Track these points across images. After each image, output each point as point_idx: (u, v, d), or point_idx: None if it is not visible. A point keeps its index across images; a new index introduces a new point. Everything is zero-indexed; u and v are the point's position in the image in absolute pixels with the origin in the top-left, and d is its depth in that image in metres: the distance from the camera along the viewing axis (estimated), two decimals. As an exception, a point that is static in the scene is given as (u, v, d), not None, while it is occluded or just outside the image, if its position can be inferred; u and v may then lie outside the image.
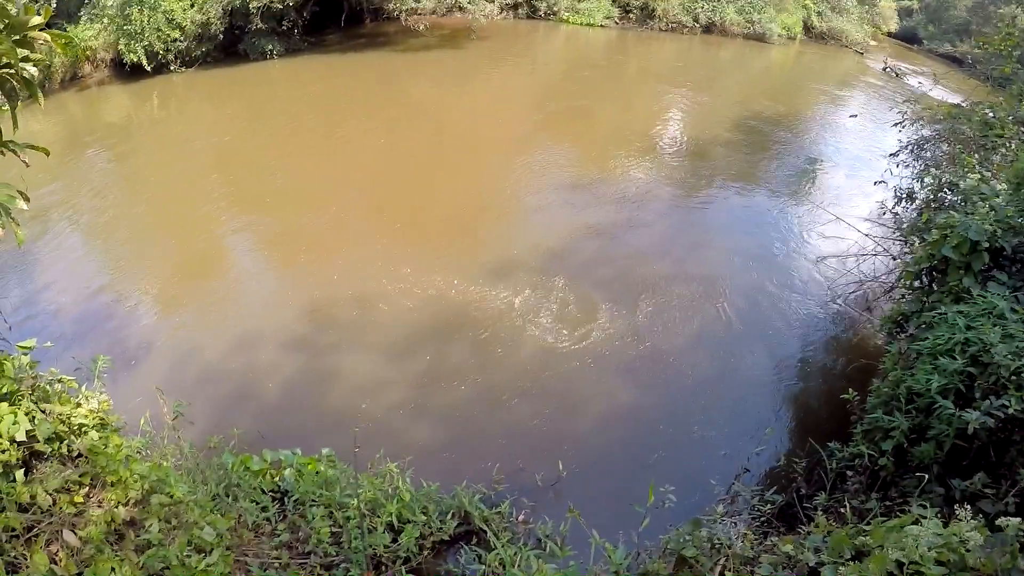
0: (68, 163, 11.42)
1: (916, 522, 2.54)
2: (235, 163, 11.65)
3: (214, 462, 4.72)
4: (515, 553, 4.11)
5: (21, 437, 2.95)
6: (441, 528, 4.62)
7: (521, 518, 5.07)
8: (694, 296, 8.01)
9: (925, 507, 2.88)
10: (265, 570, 3.84)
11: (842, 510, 3.86)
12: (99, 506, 3.14)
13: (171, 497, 3.47)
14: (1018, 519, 2.30)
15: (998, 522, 2.30)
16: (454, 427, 6.24)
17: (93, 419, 3.54)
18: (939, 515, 2.63)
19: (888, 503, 4.04)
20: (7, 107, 3.12)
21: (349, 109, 13.98)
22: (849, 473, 4.58)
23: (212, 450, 4.96)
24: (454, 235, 9.58)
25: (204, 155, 12.06)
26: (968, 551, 2.23)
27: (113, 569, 2.76)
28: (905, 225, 7.84)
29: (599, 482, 5.67)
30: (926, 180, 7.44)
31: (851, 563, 2.55)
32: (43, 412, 3.26)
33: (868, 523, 3.19)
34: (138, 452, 4.16)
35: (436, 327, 7.50)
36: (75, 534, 2.83)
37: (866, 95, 14.65)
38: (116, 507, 3.17)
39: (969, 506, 2.46)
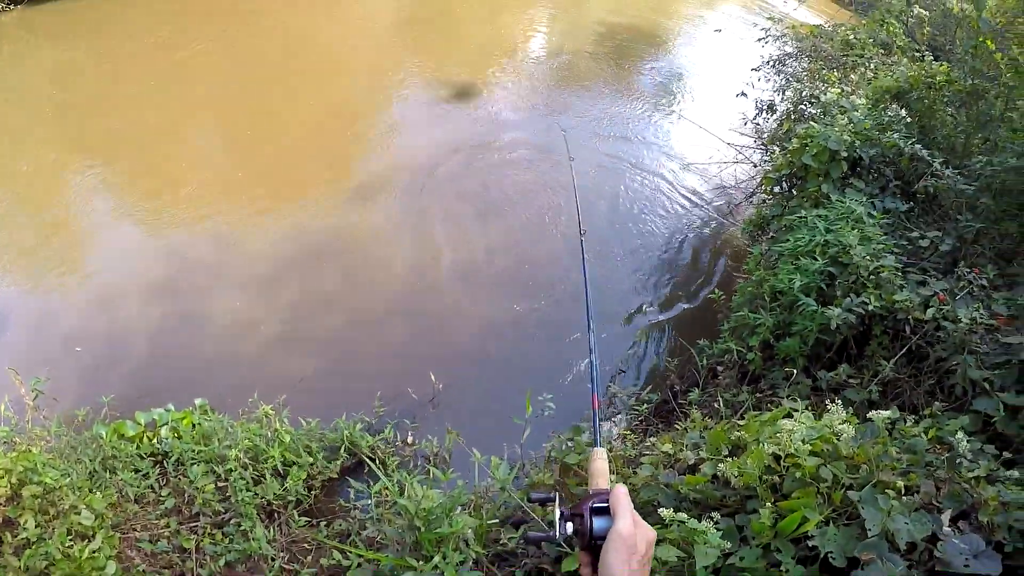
0: None
1: (788, 415, 2.63)
2: (76, 108, 9.79)
3: (86, 436, 4.21)
4: (398, 480, 3.98)
5: None
6: (328, 466, 4.40)
7: (409, 439, 4.95)
8: (560, 206, 7.89)
9: (796, 400, 3.01)
10: (156, 542, 3.58)
11: (715, 404, 4.04)
12: (-35, 515, 2.66)
13: (43, 486, 3.15)
14: (887, 412, 2.44)
15: (869, 415, 2.42)
16: (328, 357, 5.93)
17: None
18: (808, 407, 2.75)
19: (759, 395, 4.28)
20: None
21: (194, 32, 12.03)
22: (719, 368, 4.81)
23: (82, 424, 4.39)
24: (313, 160, 8.76)
25: (41, 102, 10.01)
26: (840, 441, 2.35)
27: (-5, 580, 2.35)
28: (766, 135, 8.18)
29: (477, 393, 5.63)
30: (787, 93, 7.74)
31: (730, 459, 2.60)
32: None
33: (742, 417, 3.30)
34: (2, 443, 3.73)
35: (302, 257, 6.97)
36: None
37: (730, 12, 14.85)
38: (-13, 512, 2.72)
39: (839, 400, 2.57)
